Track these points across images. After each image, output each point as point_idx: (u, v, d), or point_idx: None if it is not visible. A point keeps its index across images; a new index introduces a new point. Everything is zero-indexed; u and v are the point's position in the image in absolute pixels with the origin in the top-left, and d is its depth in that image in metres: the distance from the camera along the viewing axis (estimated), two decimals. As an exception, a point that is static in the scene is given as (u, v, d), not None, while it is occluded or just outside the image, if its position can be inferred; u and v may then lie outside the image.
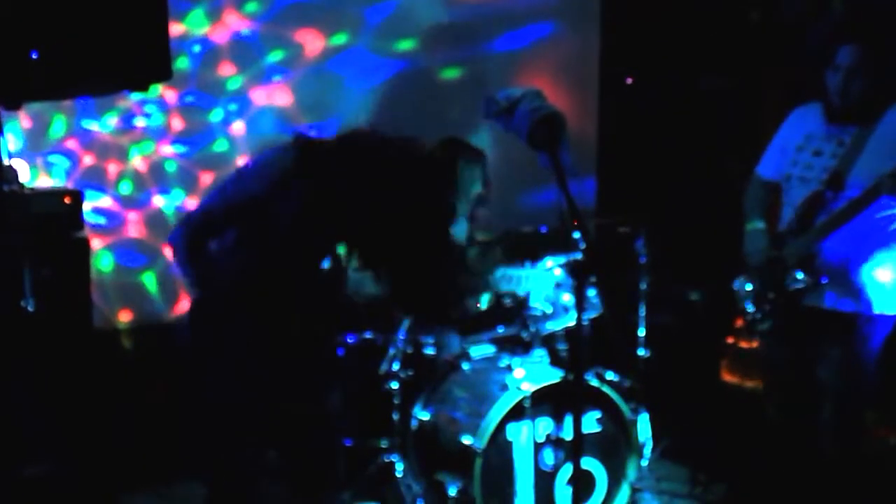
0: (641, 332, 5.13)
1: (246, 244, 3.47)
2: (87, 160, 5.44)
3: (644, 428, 4.95)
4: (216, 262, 3.50)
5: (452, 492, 4.52)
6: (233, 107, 5.75)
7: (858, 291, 4.17)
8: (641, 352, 5.15)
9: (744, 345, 5.58)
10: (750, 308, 4.37)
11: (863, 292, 4.17)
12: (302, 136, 3.51)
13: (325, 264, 3.54)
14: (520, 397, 4.47)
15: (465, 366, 4.88)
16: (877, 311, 4.19)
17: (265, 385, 3.51)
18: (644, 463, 4.93)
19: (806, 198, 4.18)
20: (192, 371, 3.66)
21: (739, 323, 4.49)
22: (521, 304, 4.80)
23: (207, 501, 3.74)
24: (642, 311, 5.10)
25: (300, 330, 3.53)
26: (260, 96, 5.81)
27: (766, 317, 4.30)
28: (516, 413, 4.48)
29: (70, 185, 5.27)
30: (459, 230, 5.08)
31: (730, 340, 5.72)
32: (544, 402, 4.52)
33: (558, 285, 4.80)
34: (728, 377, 5.75)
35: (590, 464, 4.61)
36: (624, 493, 4.70)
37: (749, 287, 4.39)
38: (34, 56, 3.64)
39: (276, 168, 3.44)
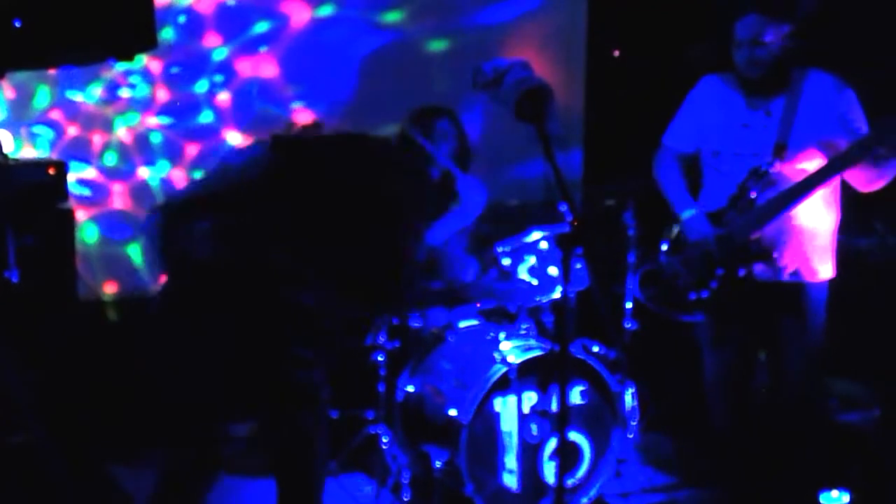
0: (628, 305, 5.14)
1: (223, 235, 3.46)
2: (72, 131, 5.41)
3: (630, 400, 4.97)
4: (189, 251, 3.49)
5: (438, 463, 4.53)
6: (218, 78, 5.72)
7: (799, 262, 4.21)
8: (628, 324, 5.16)
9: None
10: (688, 284, 4.38)
11: (802, 263, 4.21)
12: (280, 137, 3.59)
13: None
14: (505, 369, 4.47)
15: (451, 338, 4.89)
16: (816, 278, 4.23)
17: (239, 370, 3.52)
18: (629, 435, 4.95)
19: (748, 173, 4.19)
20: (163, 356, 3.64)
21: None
22: (508, 276, 4.79)
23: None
24: (629, 284, 5.11)
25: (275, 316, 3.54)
26: (246, 67, 5.78)
27: (713, 294, 4.30)
28: (502, 385, 4.49)
29: (54, 156, 5.25)
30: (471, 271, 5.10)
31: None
32: (530, 374, 4.53)
33: (544, 257, 4.79)
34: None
35: (575, 436, 4.63)
36: (609, 464, 4.72)
37: (682, 269, 4.40)
38: (17, 24, 3.61)
39: (257, 164, 3.48)
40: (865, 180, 4.10)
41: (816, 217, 4.20)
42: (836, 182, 4.19)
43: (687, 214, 4.39)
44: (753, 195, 4.17)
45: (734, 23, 4.18)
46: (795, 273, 4.23)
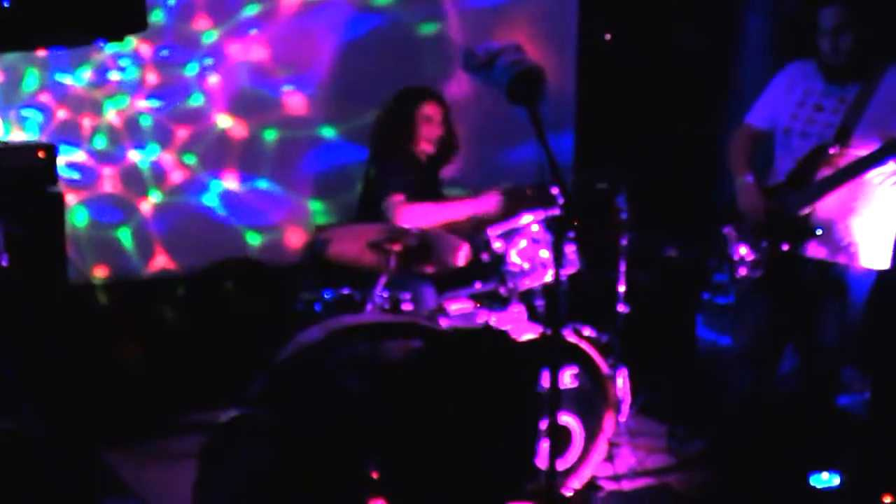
0: (622, 289, 5.14)
1: None
2: (61, 114, 5.39)
3: (622, 383, 4.98)
4: None
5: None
6: (208, 61, 5.70)
7: (847, 245, 4.23)
8: (621, 308, 5.15)
9: (719, 300, 5.61)
10: (740, 254, 4.41)
11: (851, 246, 4.23)
12: None
13: None
14: (497, 353, 4.46)
15: (443, 322, 4.87)
16: (864, 265, 4.25)
17: None
18: (621, 418, 4.95)
19: (809, 151, 4.22)
20: None
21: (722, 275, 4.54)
22: (499, 259, 4.79)
23: None
24: (622, 268, 5.11)
25: None
26: (236, 50, 5.75)
27: (756, 266, 4.33)
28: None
29: (44, 140, 5.22)
30: None
31: (706, 296, 5.74)
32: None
33: (536, 241, 4.78)
34: (704, 333, 5.77)
35: (566, 419, 4.63)
36: (601, 448, 4.72)
37: (735, 236, 4.44)
38: (5, 4, 3.58)
39: None
40: None
41: (875, 202, 4.22)
42: None
43: (741, 182, 4.44)
44: (810, 174, 4.20)
45: (818, 10, 4.21)
46: (844, 254, 4.25)
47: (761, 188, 4.39)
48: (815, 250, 4.26)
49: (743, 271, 4.41)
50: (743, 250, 4.40)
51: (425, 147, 5.24)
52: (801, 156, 4.26)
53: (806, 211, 4.21)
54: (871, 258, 4.27)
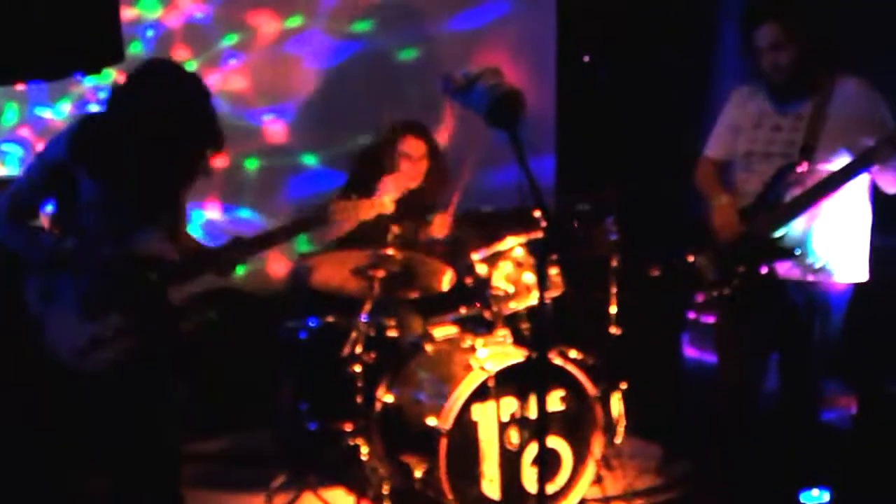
0: (613, 310, 5.12)
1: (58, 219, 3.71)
2: (41, 148, 5.36)
3: (611, 405, 4.97)
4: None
5: (418, 474, 4.51)
6: (187, 91, 5.68)
7: (824, 263, 4.22)
8: (613, 329, 5.13)
9: (704, 319, 5.61)
10: (713, 279, 4.40)
11: (828, 263, 4.22)
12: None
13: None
14: (484, 377, 4.46)
15: (428, 347, 4.87)
16: (841, 280, 4.25)
17: None
18: (610, 440, 4.94)
19: (776, 172, 4.21)
20: None
21: (700, 297, 4.50)
22: (484, 284, 4.78)
23: None
24: (613, 289, 5.10)
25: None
26: (215, 80, 5.75)
27: (733, 290, 4.32)
28: (480, 393, 4.47)
29: (24, 174, 5.20)
30: None
31: (691, 315, 5.74)
32: (508, 381, 4.52)
33: (519, 265, 4.78)
34: (689, 352, 5.77)
35: (555, 442, 4.61)
36: (590, 470, 4.71)
37: (705, 261, 4.43)
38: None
39: (64, 139, 3.72)
40: (891, 182, 4.13)
41: (844, 217, 4.22)
42: (866, 182, 4.21)
43: (716, 202, 4.42)
44: (781, 194, 4.19)
45: (752, 31, 4.20)
46: (820, 272, 4.24)
47: (737, 209, 4.36)
48: (792, 271, 4.25)
49: (720, 293, 4.39)
50: (719, 274, 4.38)
51: (407, 182, 5.23)
52: (767, 177, 4.25)
53: (780, 232, 4.20)
54: (848, 273, 4.27)
